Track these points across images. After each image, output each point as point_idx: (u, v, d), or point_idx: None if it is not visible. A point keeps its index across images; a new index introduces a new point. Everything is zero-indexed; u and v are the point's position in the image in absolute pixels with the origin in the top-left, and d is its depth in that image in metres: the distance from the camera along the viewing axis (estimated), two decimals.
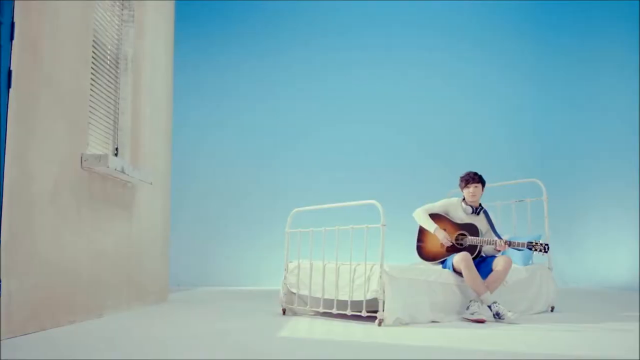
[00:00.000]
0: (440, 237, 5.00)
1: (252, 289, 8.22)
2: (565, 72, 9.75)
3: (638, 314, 5.32)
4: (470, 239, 4.98)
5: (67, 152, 4.14)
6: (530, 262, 5.66)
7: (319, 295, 4.76)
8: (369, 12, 9.77)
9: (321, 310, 4.75)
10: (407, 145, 9.55)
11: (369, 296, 4.37)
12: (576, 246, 9.25)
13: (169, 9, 6.39)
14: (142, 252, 5.54)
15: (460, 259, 4.78)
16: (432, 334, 3.94)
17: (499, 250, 4.90)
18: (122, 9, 5.34)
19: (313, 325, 4.33)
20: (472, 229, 5.03)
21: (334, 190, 8.37)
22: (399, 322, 4.31)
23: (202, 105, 9.20)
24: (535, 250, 4.79)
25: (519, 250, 5.15)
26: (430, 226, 5.07)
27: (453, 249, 5.02)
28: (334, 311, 4.59)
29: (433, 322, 4.54)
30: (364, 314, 4.38)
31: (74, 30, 4.22)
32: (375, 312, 4.31)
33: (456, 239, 5.05)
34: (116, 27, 5.25)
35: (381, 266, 4.30)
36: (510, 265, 4.86)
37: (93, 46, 4.78)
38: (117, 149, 5.20)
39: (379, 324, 4.24)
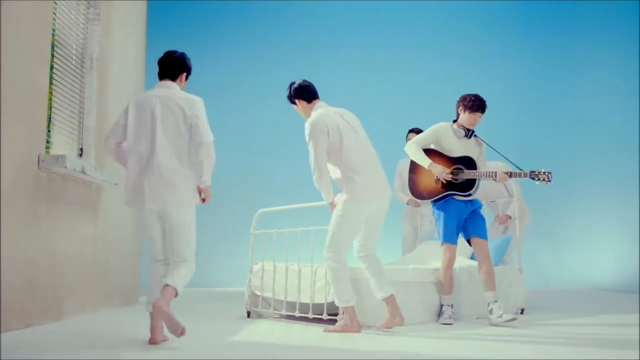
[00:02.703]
0: (437, 171, 4.63)
1: (235, 289, 8.12)
2: (553, 71, 9.64)
3: (613, 315, 5.27)
4: (467, 173, 4.61)
5: (24, 153, 4.09)
6: (500, 263, 5.60)
7: (282, 297, 4.70)
8: (356, 11, 9.68)
9: (284, 312, 4.70)
10: (394, 146, 9.46)
11: (330, 299, 4.31)
12: (560, 246, 9.17)
13: (140, 7, 6.32)
14: (109, 253, 5.48)
15: (443, 261, 4.74)
16: (389, 339, 3.88)
17: (498, 182, 4.59)
18: (88, 8, 5.28)
19: (272, 329, 4.29)
20: (469, 162, 4.64)
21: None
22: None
23: None
24: (539, 179, 4.49)
25: (520, 178, 4.66)
26: (424, 161, 4.68)
27: (449, 186, 4.66)
28: (297, 314, 4.54)
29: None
30: (324, 317, 4.33)
31: (29, 29, 4.15)
32: (337, 314, 4.25)
33: (452, 175, 4.65)
34: (81, 26, 5.19)
35: None
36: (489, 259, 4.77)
37: (57, 45, 4.73)
38: (81, 149, 5.14)
39: None
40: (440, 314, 4.74)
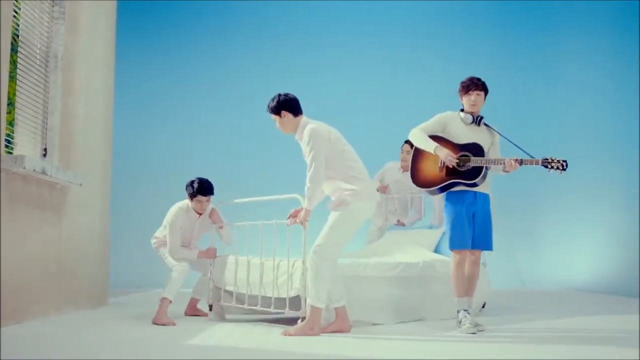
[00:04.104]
0: (442, 155, 4.29)
1: None
2: (533, 69, 9.61)
3: (575, 318, 5.26)
4: (474, 160, 4.30)
5: None
6: None
7: (244, 291, 4.67)
8: (349, 10, 9.62)
9: (246, 307, 4.65)
10: (372, 147, 9.40)
11: (292, 294, 4.26)
12: (537, 246, 9.16)
13: (109, 7, 6.25)
14: (75, 255, 5.40)
15: (454, 260, 4.39)
16: (349, 342, 3.84)
17: (507, 171, 4.30)
18: (53, 6, 5.20)
19: (233, 331, 4.22)
20: (476, 149, 4.34)
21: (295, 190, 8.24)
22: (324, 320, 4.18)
23: (152, 105, 9.04)
24: (552, 167, 4.19)
25: (533, 165, 4.30)
26: (429, 145, 4.36)
27: (454, 173, 4.34)
28: (259, 308, 4.50)
29: (356, 320, 4.44)
30: (286, 312, 4.29)
31: None
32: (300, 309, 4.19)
33: (458, 162, 4.33)
34: (46, 24, 5.12)
35: (303, 263, 4.19)
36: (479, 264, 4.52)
37: (20, 44, 4.66)
38: (45, 149, 5.07)
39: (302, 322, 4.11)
40: (458, 322, 4.31)
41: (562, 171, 4.21)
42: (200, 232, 5.24)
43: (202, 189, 4.99)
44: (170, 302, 4.71)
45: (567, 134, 9.28)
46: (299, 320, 4.14)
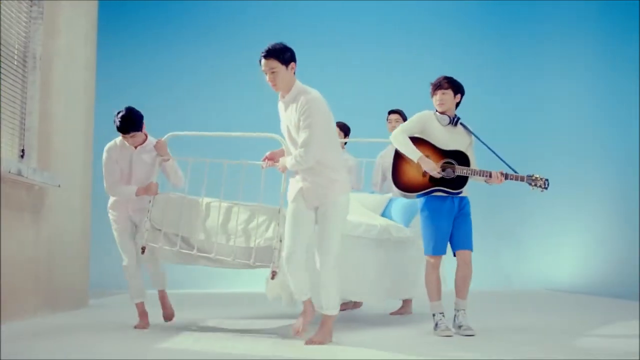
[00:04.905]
0: (427, 168, 4.24)
1: (186, 291, 8.00)
2: (530, 69, 9.58)
3: (541, 319, 5.23)
4: (459, 169, 4.26)
5: None
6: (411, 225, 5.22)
7: (197, 236, 4.23)
8: (334, 9, 9.57)
9: (195, 253, 4.22)
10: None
11: (262, 244, 4.00)
12: (522, 246, 9.14)
13: (90, 7, 6.21)
14: (54, 256, 5.37)
15: (429, 263, 4.33)
16: (321, 347, 3.81)
17: (489, 183, 4.30)
18: (31, 6, 5.17)
19: (207, 339, 4.06)
20: (462, 158, 4.32)
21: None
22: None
23: (139, 105, 8.96)
24: (535, 185, 4.24)
25: (516, 181, 4.33)
26: (414, 154, 4.27)
27: (439, 180, 4.29)
28: (213, 256, 4.11)
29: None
30: (252, 262, 4.01)
31: None
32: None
33: (442, 169, 4.29)
34: (24, 24, 5.08)
35: (280, 212, 3.97)
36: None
37: None
38: (23, 150, 5.03)
39: (273, 277, 3.92)
40: (434, 325, 4.27)
41: (544, 189, 4.29)
42: (141, 168, 4.51)
43: (120, 126, 4.37)
44: (143, 302, 4.55)
45: (564, 133, 9.28)
46: (269, 276, 3.92)
